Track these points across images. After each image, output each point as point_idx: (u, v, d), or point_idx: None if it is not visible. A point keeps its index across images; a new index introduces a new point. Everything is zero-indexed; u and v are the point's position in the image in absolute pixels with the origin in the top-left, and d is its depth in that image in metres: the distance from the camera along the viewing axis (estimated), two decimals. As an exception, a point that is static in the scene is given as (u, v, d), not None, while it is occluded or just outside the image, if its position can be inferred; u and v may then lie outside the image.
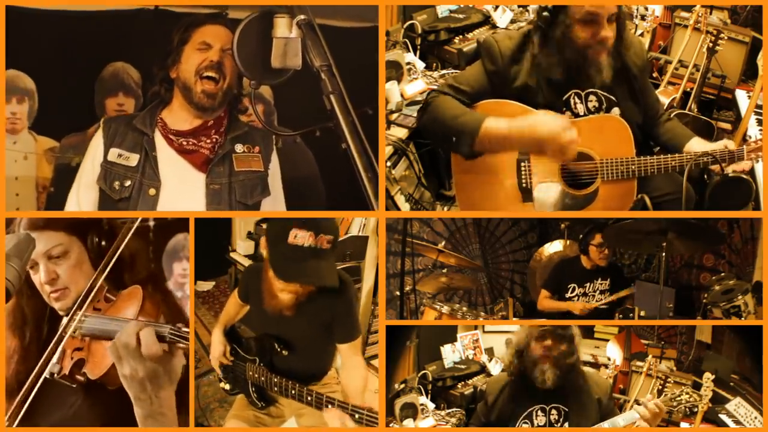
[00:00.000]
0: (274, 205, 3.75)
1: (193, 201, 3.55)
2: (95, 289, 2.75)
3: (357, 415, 3.06)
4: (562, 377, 3.31)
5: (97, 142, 3.62)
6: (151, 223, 3.18)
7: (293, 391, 3.38)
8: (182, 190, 3.56)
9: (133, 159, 3.55)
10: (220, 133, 3.63)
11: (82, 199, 3.61)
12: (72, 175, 3.72)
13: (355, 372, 3.55)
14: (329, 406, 3.14)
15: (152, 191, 3.51)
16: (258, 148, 3.69)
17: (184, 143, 3.58)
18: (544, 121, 3.43)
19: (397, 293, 4.89)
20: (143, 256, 3.07)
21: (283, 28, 2.81)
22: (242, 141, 3.66)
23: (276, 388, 3.51)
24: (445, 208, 4.28)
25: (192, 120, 3.61)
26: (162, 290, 3.00)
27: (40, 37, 4.51)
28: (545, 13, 3.44)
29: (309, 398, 3.28)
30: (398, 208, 4.09)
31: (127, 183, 3.51)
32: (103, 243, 2.90)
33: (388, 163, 3.97)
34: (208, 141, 3.60)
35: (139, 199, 3.51)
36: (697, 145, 3.66)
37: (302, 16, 2.77)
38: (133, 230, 2.79)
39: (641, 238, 4.33)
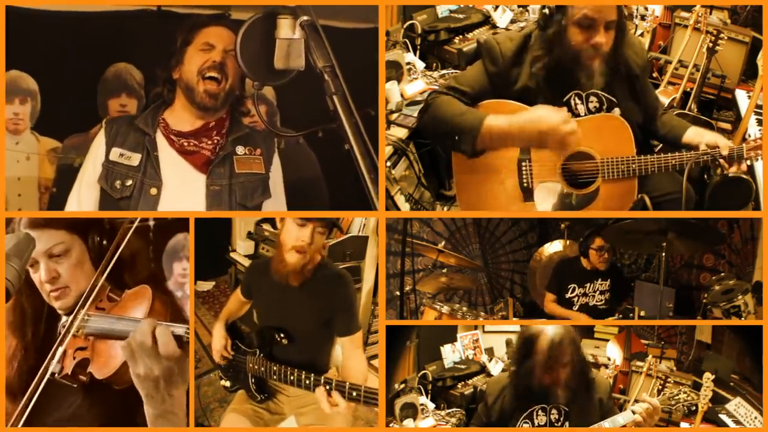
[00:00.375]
0: (276, 207, 3.78)
1: (193, 202, 3.57)
2: (97, 288, 2.75)
3: (355, 393, 3.09)
4: (575, 391, 3.32)
5: (99, 142, 3.65)
6: (151, 223, 3.20)
7: (292, 377, 3.41)
8: (183, 190, 3.58)
9: (135, 159, 3.58)
10: (221, 134, 3.66)
11: (83, 198, 3.63)
12: (74, 175, 3.74)
13: (355, 365, 3.59)
14: (327, 386, 3.18)
15: (153, 191, 3.54)
16: (260, 150, 3.72)
17: (186, 144, 3.62)
18: (544, 115, 3.46)
19: (397, 293, 4.90)
20: (144, 255, 3.11)
21: (287, 29, 2.84)
22: (243, 143, 3.69)
23: (275, 376, 3.54)
24: (445, 208, 4.28)
25: (194, 121, 3.64)
26: (162, 290, 3.00)
27: (43, 38, 4.50)
28: (545, 11, 3.46)
29: (308, 382, 3.31)
30: (398, 208, 4.09)
31: (129, 182, 3.54)
32: (105, 242, 2.92)
33: (388, 163, 3.97)
34: (210, 142, 3.63)
35: (140, 198, 3.53)
36: (694, 133, 3.68)
37: (305, 17, 2.79)
38: (132, 230, 2.81)
39: (641, 238, 4.34)
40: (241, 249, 6.73)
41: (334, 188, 4.77)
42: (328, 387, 3.16)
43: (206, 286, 7.40)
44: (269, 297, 3.75)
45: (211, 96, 3.56)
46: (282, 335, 3.61)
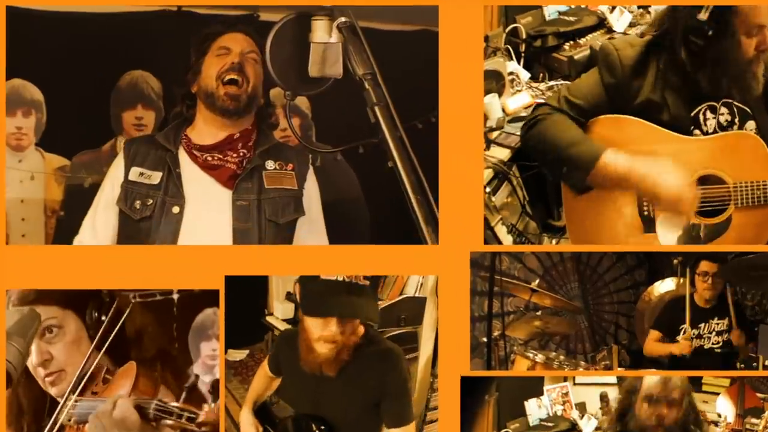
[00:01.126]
0: (311, 228, 3.96)
1: (218, 220, 3.80)
2: (90, 371, 2.95)
3: None
4: None
5: (118, 164, 3.94)
6: (176, 297, 3.37)
7: None
8: (207, 208, 3.84)
9: (156, 177, 3.86)
10: (247, 147, 3.93)
11: (99, 222, 3.89)
12: (85, 196, 3.99)
13: None
14: None
15: (176, 209, 3.81)
16: (291, 165, 3.95)
17: (209, 158, 3.89)
18: (668, 176, 3.62)
19: (483, 339, 4.97)
20: (153, 331, 3.29)
21: (322, 32, 3.01)
22: (274, 157, 3.95)
23: None
24: (554, 241, 4.42)
25: (217, 132, 3.92)
26: (172, 368, 3.25)
27: (49, 42, 4.67)
28: (709, 31, 3.56)
29: None
30: (499, 241, 4.18)
31: (149, 202, 3.80)
32: (103, 318, 3.09)
33: (488, 189, 4.08)
34: (235, 155, 3.90)
35: (161, 218, 3.79)
36: None
37: (343, 19, 2.93)
38: (150, 303, 3.03)
39: (765, 275, 4.34)
40: (279, 312, 6.62)
41: (376, 210, 4.92)
42: None
43: (239, 355, 7.21)
44: (301, 386, 3.75)
45: (232, 98, 3.82)
46: (322, 427, 3.65)
